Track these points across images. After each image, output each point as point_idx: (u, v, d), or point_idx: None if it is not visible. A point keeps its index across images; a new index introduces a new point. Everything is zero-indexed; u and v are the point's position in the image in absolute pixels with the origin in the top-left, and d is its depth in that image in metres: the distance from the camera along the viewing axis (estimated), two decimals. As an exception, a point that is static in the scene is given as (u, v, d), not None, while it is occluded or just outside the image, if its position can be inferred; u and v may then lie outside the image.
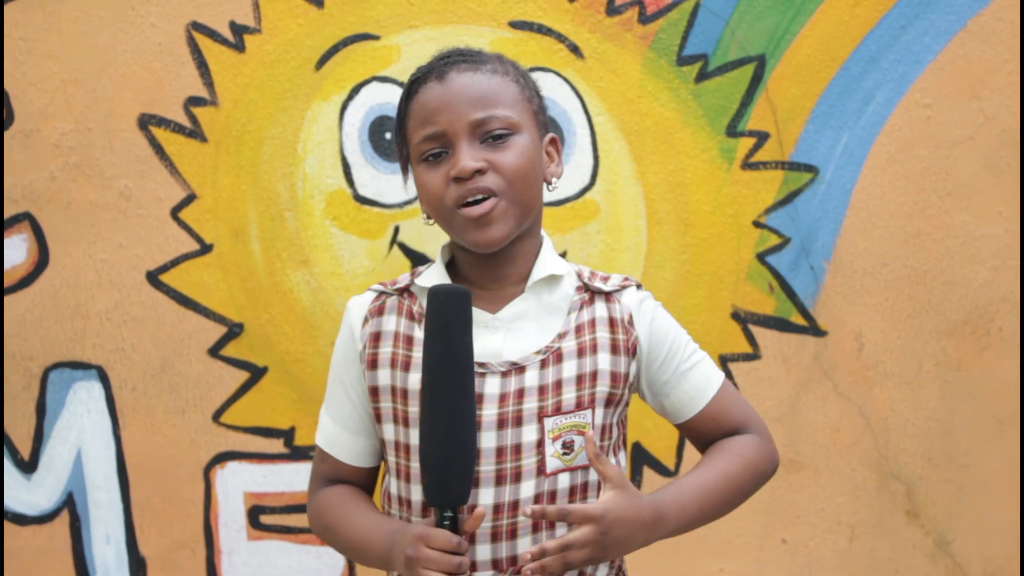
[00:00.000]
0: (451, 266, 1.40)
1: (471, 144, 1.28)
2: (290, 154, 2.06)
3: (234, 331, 2.07)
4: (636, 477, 2.13)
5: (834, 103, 2.10)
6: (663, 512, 1.28)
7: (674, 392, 1.39)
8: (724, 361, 2.12)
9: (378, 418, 1.35)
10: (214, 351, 2.07)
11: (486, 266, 1.35)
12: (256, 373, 2.08)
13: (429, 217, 1.37)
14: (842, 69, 2.10)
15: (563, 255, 2.11)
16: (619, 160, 2.09)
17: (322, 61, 2.05)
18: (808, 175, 2.11)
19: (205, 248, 2.06)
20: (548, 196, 2.08)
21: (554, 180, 1.38)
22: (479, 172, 1.27)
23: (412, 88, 1.34)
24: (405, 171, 1.41)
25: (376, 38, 2.05)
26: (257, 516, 2.10)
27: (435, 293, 1.22)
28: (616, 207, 2.10)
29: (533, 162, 1.32)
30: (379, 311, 1.37)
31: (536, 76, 2.08)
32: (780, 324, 2.13)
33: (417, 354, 1.30)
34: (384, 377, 1.33)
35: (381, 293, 1.39)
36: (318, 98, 2.05)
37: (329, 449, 1.40)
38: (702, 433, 1.41)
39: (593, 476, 1.30)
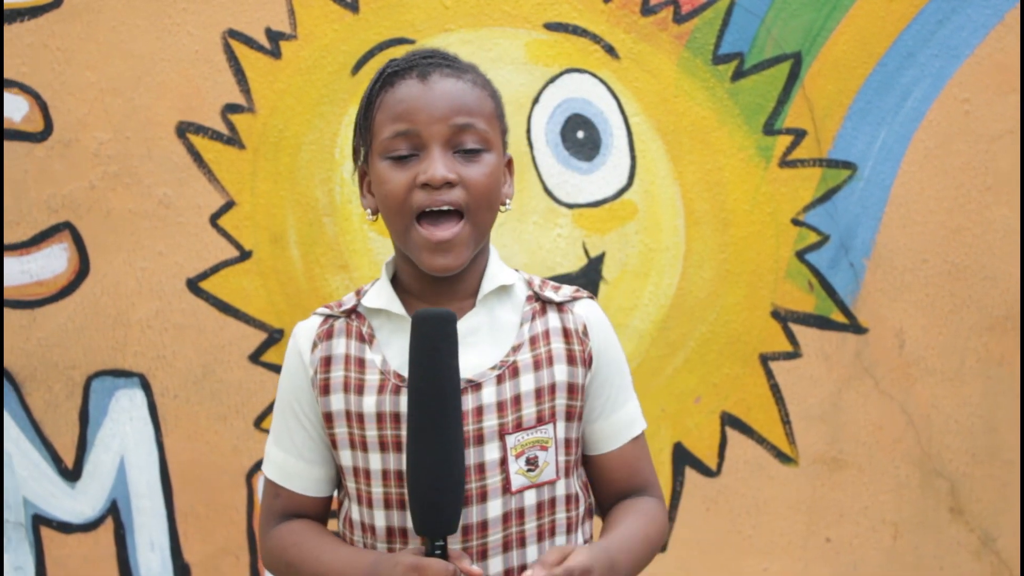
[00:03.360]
0: (394, 280, 1.32)
1: (444, 152, 1.21)
2: (328, 159, 2.06)
3: (274, 337, 2.08)
4: (678, 478, 2.12)
5: (871, 99, 2.09)
6: (614, 560, 1.23)
7: (602, 419, 1.33)
8: (765, 360, 2.12)
9: (334, 444, 1.29)
10: (255, 357, 2.08)
11: (434, 281, 1.28)
12: (296, 379, 2.08)
13: (374, 213, 1.30)
14: (879, 65, 2.09)
15: (601, 256, 2.10)
16: (656, 160, 2.09)
17: (358, 66, 2.05)
18: (846, 172, 2.10)
19: (244, 255, 2.07)
20: (586, 197, 2.11)
21: (507, 202, 1.31)
22: (448, 184, 1.21)
23: (388, 80, 1.27)
24: (357, 159, 1.33)
25: (412, 42, 2.05)
26: (299, 521, 2.10)
27: (420, 318, 1.16)
28: (654, 207, 2.09)
29: (498, 182, 1.27)
30: (328, 335, 1.30)
31: (572, 77, 2.10)
32: (820, 322, 2.12)
33: (370, 376, 1.26)
34: (337, 402, 1.27)
35: (328, 316, 1.32)
36: (355, 103, 2.05)
37: (284, 482, 1.32)
38: (613, 476, 1.35)
39: (559, 491, 1.27)
